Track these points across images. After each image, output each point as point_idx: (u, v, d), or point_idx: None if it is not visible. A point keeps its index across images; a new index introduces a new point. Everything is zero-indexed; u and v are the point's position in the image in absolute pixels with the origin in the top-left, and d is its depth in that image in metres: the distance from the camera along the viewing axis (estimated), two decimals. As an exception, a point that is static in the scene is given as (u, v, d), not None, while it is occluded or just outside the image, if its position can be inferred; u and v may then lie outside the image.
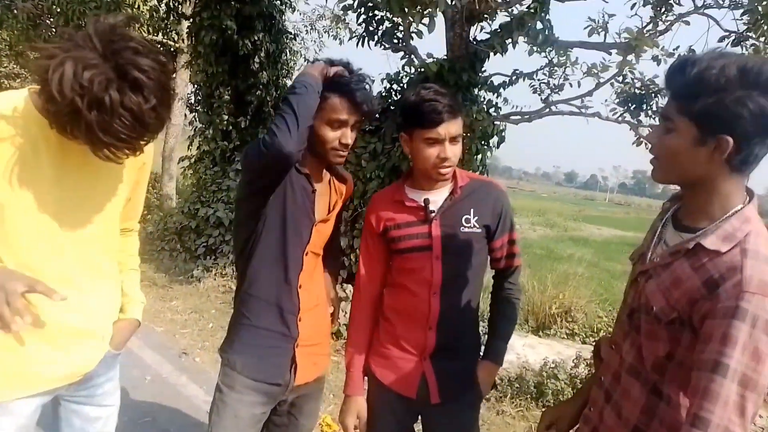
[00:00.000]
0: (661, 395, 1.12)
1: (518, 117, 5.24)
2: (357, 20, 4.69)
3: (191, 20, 7.14)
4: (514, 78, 5.18)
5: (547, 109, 5.42)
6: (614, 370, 1.26)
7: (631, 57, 4.12)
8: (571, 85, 5.47)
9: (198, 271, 5.81)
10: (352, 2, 4.49)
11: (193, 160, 7.41)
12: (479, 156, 5.46)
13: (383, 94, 5.64)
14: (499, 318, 1.80)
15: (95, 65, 1.03)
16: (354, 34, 4.79)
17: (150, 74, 1.08)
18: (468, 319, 1.74)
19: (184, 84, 9.55)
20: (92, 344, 1.40)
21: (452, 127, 1.56)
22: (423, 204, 1.66)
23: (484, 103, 5.20)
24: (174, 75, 1.14)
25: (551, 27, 4.81)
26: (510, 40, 4.35)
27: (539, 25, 4.69)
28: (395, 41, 4.69)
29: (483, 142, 5.30)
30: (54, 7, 8.70)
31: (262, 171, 1.51)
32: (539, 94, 5.94)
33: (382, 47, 4.70)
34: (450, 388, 1.70)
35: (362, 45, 4.72)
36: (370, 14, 4.64)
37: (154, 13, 8.76)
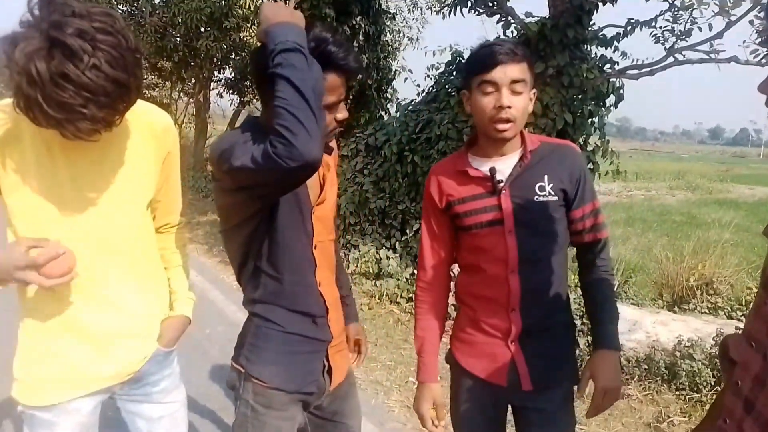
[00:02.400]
0: None
1: (636, 71, 4.71)
2: (447, -13, 4.49)
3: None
4: (629, 29, 4.66)
5: (672, 59, 4.82)
6: (755, 373, 1.03)
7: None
8: (700, 29, 4.80)
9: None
10: (440, -30, 4.30)
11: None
12: (595, 119, 5.04)
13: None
14: (601, 300, 1.59)
15: (25, 37, 0.99)
16: (444, 4, 4.59)
17: (86, 34, 1.00)
18: (555, 295, 1.56)
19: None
20: (133, 344, 1.39)
21: (512, 70, 1.38)
22: (489, 173, 1.49)
23: (597, 59, 4.75)
24: (125, 31, 1.07)
25: (670, -36, 4.26)
26: (619, -15, 3.90)
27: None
28: (490, 4, 4.42)
29: (597, 103, 4.87)
30: (175, 18, 9.44)
31: (276, 184, 1.25)
32: (663, 43, 5.32)
33: (476, 13, 4.46)
34: (543, 373, 1.53)
35: (454, 13, 4.52)
36: (461, -21, 4.42)
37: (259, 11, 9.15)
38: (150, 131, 1.34)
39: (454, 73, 5.64)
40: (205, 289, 5.03)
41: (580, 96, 4.57)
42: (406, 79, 8.14)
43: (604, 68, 4.77)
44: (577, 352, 1.73)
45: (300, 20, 1.20)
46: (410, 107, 5.94)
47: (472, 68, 1.45)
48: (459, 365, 1.64)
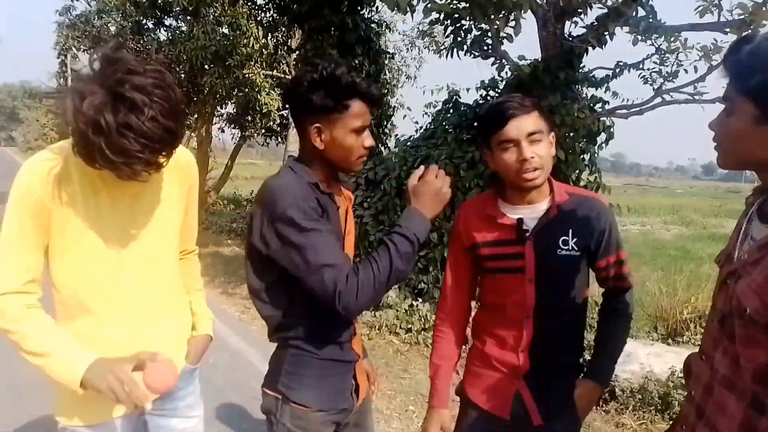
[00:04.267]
0: (764, 409, 1.01)
1: (625, 111, 4.93)
2: (444, 33, 4.73)
3: (297, 52, 7.64)
4: (618, 70, 4.90)
5: (659, 99, 5.04)
6: (705, 383, 1.15)
7: (746, 34, 3.72)
8: (686, 71, 5.05)
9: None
10: (437, 16, 4.54)
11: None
12: (587, 155, 5.23)
13: (480, 101, 5.62)
14: (606, 336, 1.68)
15: (91, 92, 1.11)
16: (442, 47, 4.83)
17: (144, 90, 1.13)
18: (567, 340, 1.64)
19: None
20: None
21: (525, 123, 1.44)
22: (516, 223, 1.54)
23: (587, 99, 4.97)
24: (173, 85, 1.21)
25: (654, 12, 4.51)
26: (607, 32, 4.14)
27: (641, 12, 4.42)
28: (485, 48, 4.66)
29: (588, 140, 5.07)
30: (181, 55, 9.73)
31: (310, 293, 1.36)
32: (651, 84, 5.56)
33: (472, 56, 4.69)
34: (549, 407, 1.59)
35: (451, 56, 4.75)
36: (457, 25, 4.66)
37: (263, 50, 9.45)
38: (175, 165, 1.43)
39: (451, 110, 5.86)
40: (207, 320, 5.07)
41: (572, 134, 4.77)
42: (405, 116, 8.42)
43: (595, 108, 4.99)
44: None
45: (441, 202, 1.42)
46: (409, 143, 6.14)
47: (488, 128, 1.51)
48: (467, 396, 1.70)
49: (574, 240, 1.53)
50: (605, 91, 5.20)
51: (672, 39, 4.72)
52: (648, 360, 4.21)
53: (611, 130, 5.08)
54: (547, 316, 1.56)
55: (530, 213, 1.54)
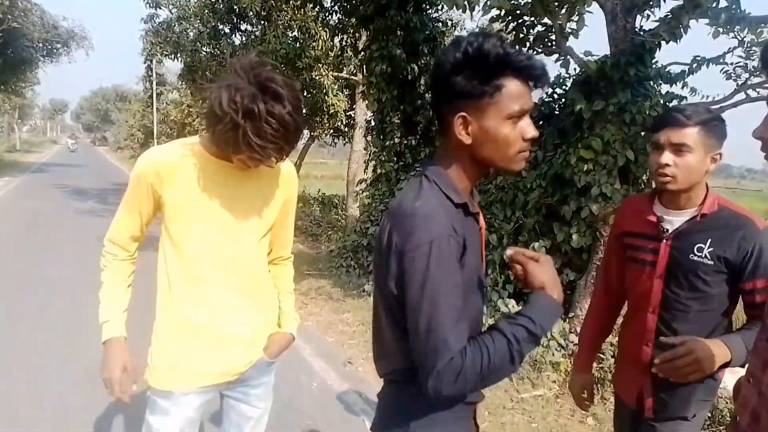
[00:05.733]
0: None
1: (703, 108, 4.59)
2: (506, 30, 4.59)
3: (363, 53, 7.70)
4: (695, 65, 4.57)
5: (743, 95, 4.67)
6: (752, 408, 1.04)
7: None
8: (776, 64, 4.63)
9: (368, 286, 6.15)
10: (498, 13, 4.42)
11: (369, 182, 7.91)
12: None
13: (545, 99, 5.43)
14: (747, 329, 1.57)
15: (243, 87, 1.31)
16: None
17: (285, 87, 1.33)
18: None
19: (363, 113, 10.30)
20: (242, 348, 1.62)
21: (673, 135, 1.55)
22: (657, 220, 1.67)
23: (661, 96, 4.67)
24: (298, 89, 1.41)
25: (738, 2, 4.18)
26: (681, 25, 3.87)
27: (722, 2, 4.10)
28: (548, 44, 4.49)
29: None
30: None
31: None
32: (735, 79, 5.15)
33: (535, 52, 4.53)
34: (665, 404, 1.65)
35: (513, 53, 4.60)
36: (519, 21, 4.51)
37: (329, 53, 9.61)
38: (277, 174, 1.63)
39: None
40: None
41: (642, 133, 4.50)
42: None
43: (670, 105, 4.68)
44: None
45: (559, 294, 1.14)
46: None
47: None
48: (615, 389, 1.95)
49: (710, 249, 1.57)
50: (682, 88, 4.88)
51: (758, 30, 4.35)
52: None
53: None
54: (671, 315, 1.64)
55: (678, 217, 1.65)
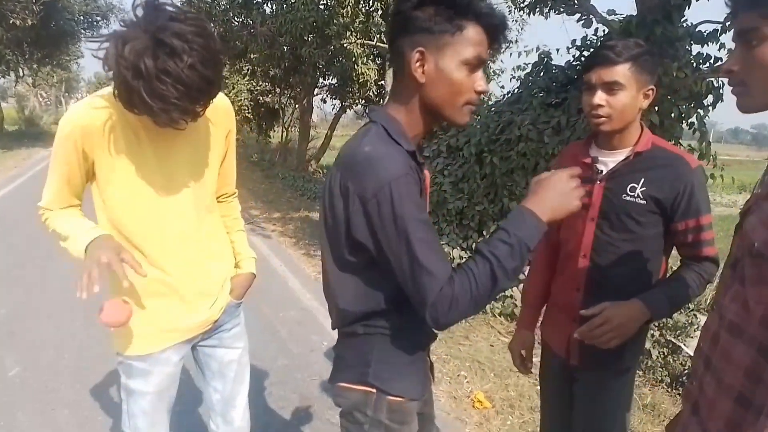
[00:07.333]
0: None
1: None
2: (525, -12, 4.45)
3: (386, 20, 7.60)
4: (729, 24, 4.33)
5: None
6: (713, 332, 1.05)
7: None
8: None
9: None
10: (517, -31, 4.28)
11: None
12: (693, 120, 4.69)
13: (572, 62, 5.25)
14: (672, 278, 1.60)
15: (134, 37, 1.13)
16: (522, 3, 4.55)
17: (184, 37, 1.14)
18: (623, 288, 1.56)
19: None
20: (213, 299, 1.61)
21: (604, 73, 1.49)
22: (591, 161, 1.63)
23: (691, 57, 4.45)
24: (213, 35, 1.21)
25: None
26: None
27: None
28: (571, 2, 4.32)
29: (691, 103, 4.55)
30: (282, 27, 10.09)
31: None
32: (774, 39, 4.85)
33: (556, 12, 4.37)
34: (592, 352, 1.57)
35: (533, 14, 4.46)
36: (539, -22, 4.36)
37: (355, 19, 9.52)
38: (214, 111, 1.46)
39: (542, 73, 5.53)
40: (286, 277, 5.37)
41: (669, 96, 4.32)
42: (491, 80, 8.07)
43: (701, 67, 4.46)
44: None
45: (563, 206, 1.13)
46: (493, 108, 5.91)
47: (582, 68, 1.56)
48: (543, 337, 1.88)
49: (642, 189, 1.54)
50: (719, 49, 4.63)
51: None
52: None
53: (720, 91, 4.52)
54: (603, 259, 1.59)
55: (613, 157, 1.60)
